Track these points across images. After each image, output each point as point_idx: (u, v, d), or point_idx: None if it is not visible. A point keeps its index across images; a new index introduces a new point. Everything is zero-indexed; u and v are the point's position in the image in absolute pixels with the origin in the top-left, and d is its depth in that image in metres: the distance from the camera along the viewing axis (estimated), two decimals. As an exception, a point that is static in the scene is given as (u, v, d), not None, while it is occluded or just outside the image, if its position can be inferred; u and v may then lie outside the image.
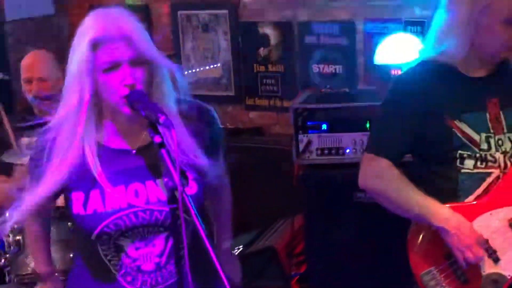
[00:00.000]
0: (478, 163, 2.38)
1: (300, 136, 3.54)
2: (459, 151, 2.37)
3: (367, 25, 4.06)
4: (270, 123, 4.52)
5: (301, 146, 3.53)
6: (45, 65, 3.64)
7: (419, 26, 3.90)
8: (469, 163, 2.38)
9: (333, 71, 4.21)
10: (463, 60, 2.39)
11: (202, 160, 2.07)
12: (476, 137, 2.38)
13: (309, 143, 3.52)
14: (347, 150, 3.51)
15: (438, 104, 2.38)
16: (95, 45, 1.94)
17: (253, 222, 4.34)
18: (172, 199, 1.91)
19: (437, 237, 2.37)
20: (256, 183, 4.38)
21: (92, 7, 4.75)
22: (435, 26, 2.44)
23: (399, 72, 3.47)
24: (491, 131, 2.39)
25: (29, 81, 3.64)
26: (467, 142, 2.37)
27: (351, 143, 3.50)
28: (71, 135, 2.00)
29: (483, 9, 2.32)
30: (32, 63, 3.65)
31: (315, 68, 4.27)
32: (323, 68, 4.25)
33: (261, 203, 4.40)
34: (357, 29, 4.11)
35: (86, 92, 1.96)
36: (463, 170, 2.38)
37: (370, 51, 3.96)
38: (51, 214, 2.49)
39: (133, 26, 1.96)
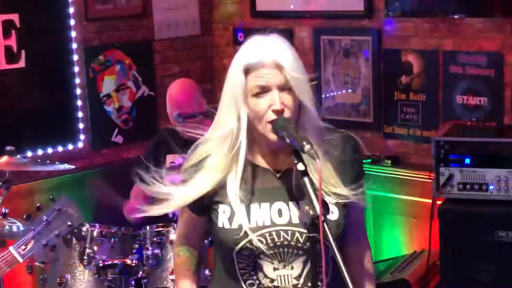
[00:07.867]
0: None
1: (442, 169, 3.45)
2: None
3: (517, 57, 3.92)
4: (407, 152, 4.43)
5: (442, 180, 3.44)
6: (190, 102, 3.85)
7: None
8: None
9: (478, 103, 4.09)
10: None
11: (344, 190, 2.05)
12: None
13: (450, 177, 3.43)
14: (491, 187, 3.39)
15: None
16: (247, 70, 2.00)
17: (386, 251, 4.28)
18: (312, 227, 1.92)
19: None
20: (393, 213, 4.31)
21: (235, 30, 4.92)
22: None
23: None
24: None
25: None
26: None
27: (495, 180, 3.38)
28: (225, 156, 2.05)
29: None
30: (178, 100, 3.88)
31: (458, 99, 4.15)
32: (467, 100, 4.13)
33: (396, 233, 4.32)
34: (505, 61, 3.97)
35: (240, 115, 2.02)
36: None
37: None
38: (202, 255, 2.36)
39: (286, 53, 1.99)
